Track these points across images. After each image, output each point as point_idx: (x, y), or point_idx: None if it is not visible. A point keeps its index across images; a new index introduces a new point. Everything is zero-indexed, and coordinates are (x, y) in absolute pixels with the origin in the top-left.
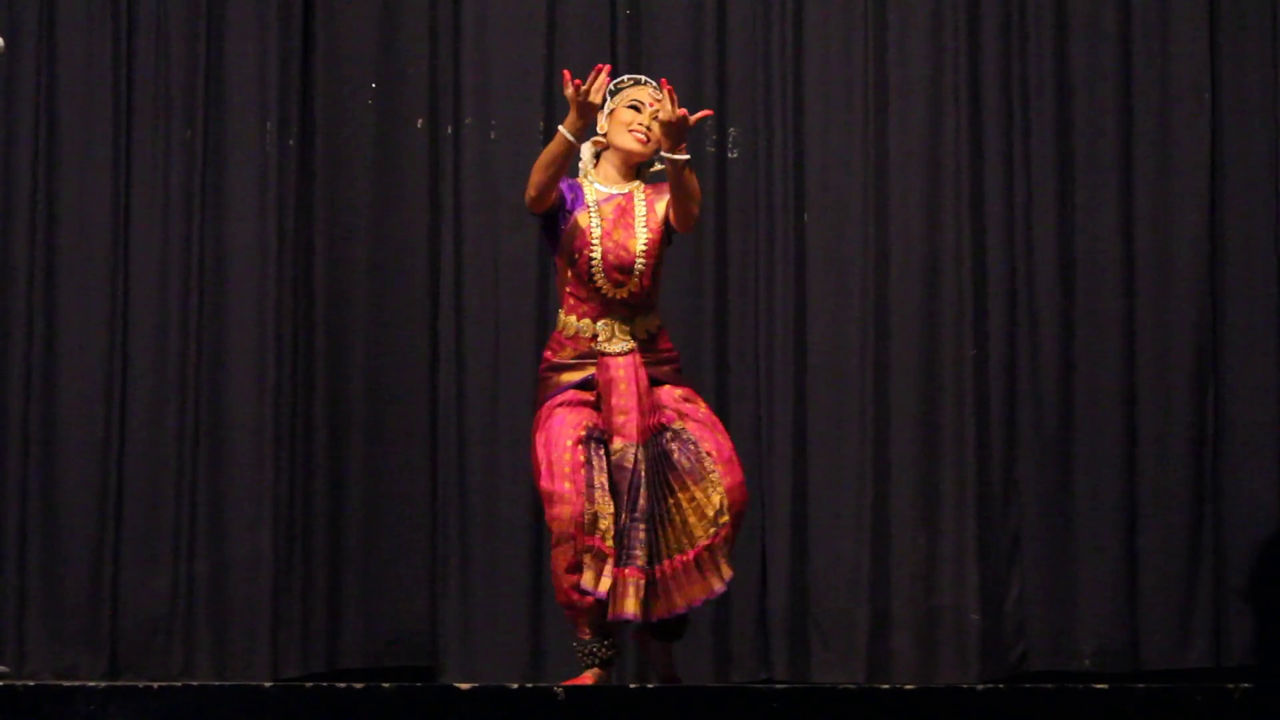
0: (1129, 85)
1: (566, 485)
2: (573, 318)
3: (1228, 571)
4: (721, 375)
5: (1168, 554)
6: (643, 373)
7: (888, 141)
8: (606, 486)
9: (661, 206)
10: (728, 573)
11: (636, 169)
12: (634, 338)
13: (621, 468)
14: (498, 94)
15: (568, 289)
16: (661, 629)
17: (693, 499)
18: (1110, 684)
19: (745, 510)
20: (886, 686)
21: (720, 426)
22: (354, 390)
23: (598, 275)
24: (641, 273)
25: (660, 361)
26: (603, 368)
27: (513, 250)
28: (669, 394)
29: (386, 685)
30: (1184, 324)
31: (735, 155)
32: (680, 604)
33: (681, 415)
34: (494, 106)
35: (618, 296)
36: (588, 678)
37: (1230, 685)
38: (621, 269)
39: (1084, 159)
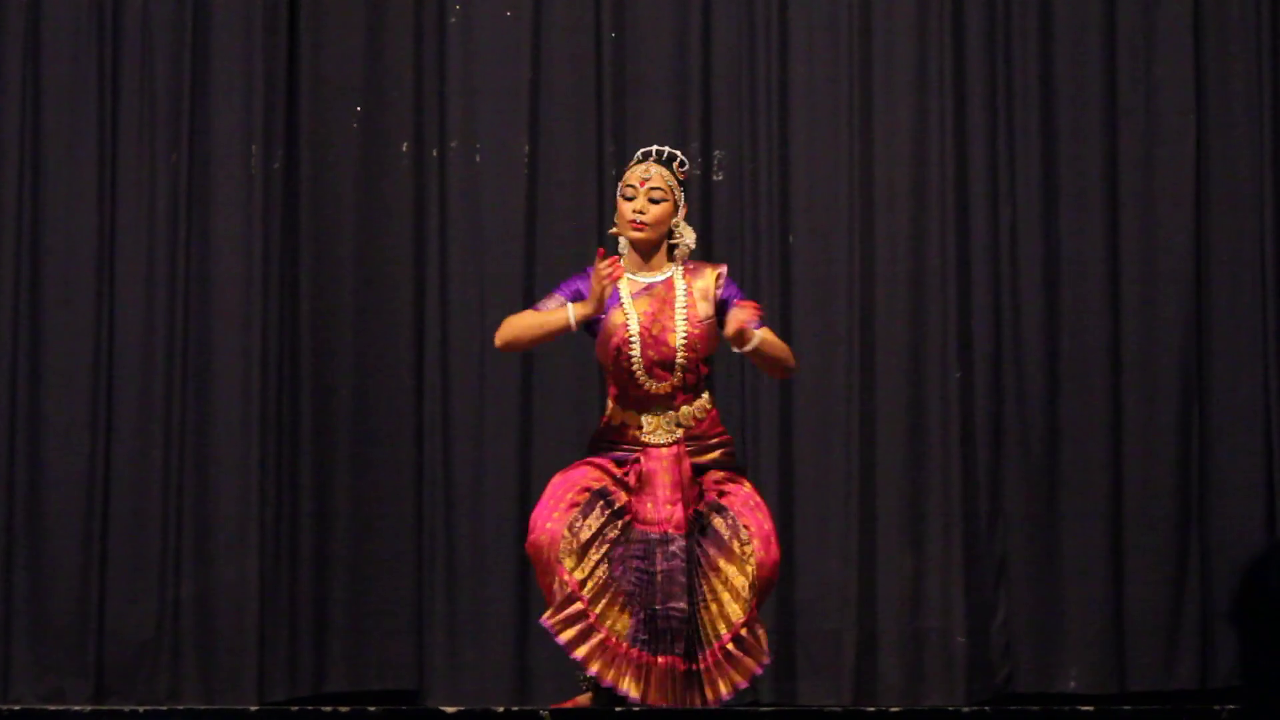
0: (1114, 106)
1: (554, 515)
2: (618, 408)
3: (1213, 593)
4: None
5: (1153, 576)
6: (686, 464)
7: (872, 164)
8: (593, 533)
9: (702, 296)
10: (766, 645)
11: (668, 250)
12: (680, 425)
13: (668, 557)
14: (483, 118)
15: (611, 380)
16: None
17: (727, 580)
18: (1096, 706)
19: (771, 589)
20: (872, 709)
21: (762, 506)
22: (340, 414)
23: (639, 375)
24: (684, 367)
25: (708, 449)
26: (645, 457)
27: (498, 273)
28: (710, 477)
29: (372, 709)
30: (1170, 346)
31: (720, 178)
32: (725, 691)
33: (721, 494)
34: (479, 130)
35: (660, 392)
36: (581, 700)
37: (1216, 707)
38: (663, 365)
39: (1069, 181)
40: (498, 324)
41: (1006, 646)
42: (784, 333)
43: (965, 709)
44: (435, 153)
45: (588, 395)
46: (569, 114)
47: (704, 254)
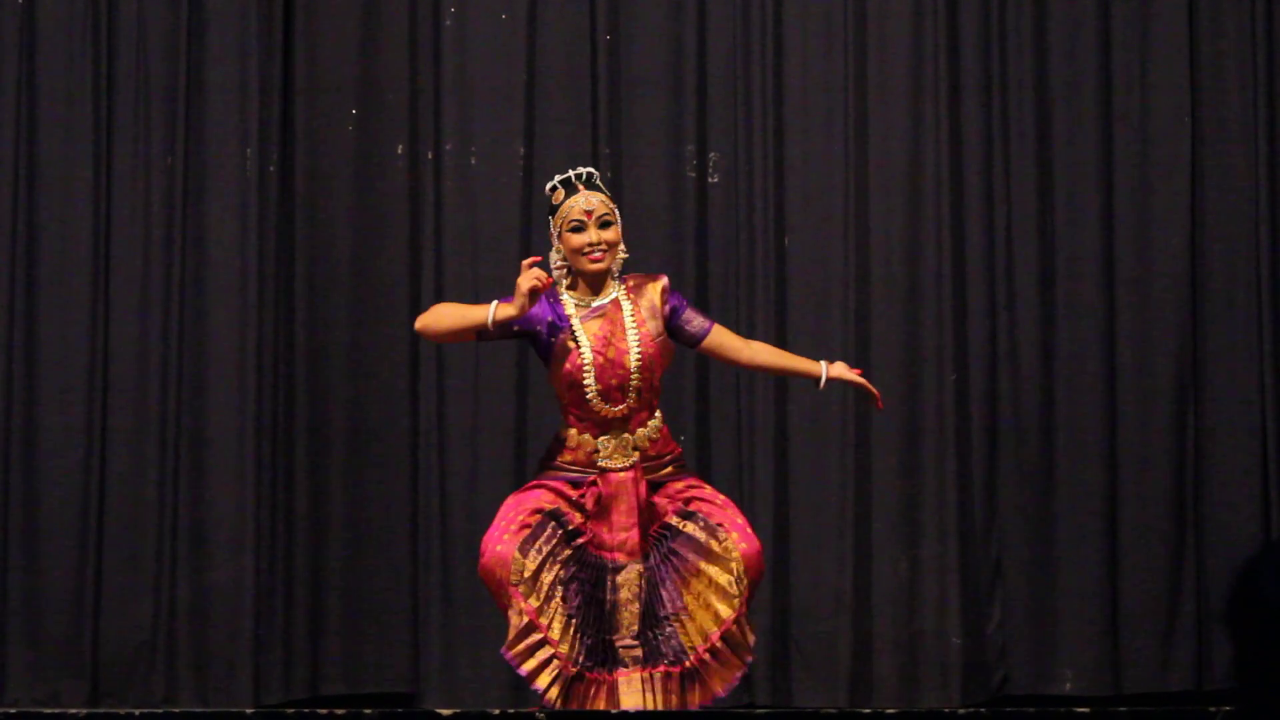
0: (1109, 108)
1: (505, 537)
2: (573, 430)
3: (1209, 595)
4: (702, 401)
5: (1149, 577)
6: (643, 486)
7: (868, 165)
8: (545, 554)
9: (649, 313)
10: (752, 639)
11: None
12: (636, 448)
13: (616, 587)
14: (478, 120)
15: (568, 407)
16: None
17: (711, 581)
18: (1092, 707)
19: (760, 579)
20: (868, 711)
21: (732, 504)
22: (335, 416)
23: (594, 400)
24: (639, 388)
25: (662, 465)
26: (604, 482)
27: (493, 275)
28: (671, 490)
29: (369, 711)
30: (1165, 348)
31: (716, 180)
32: (719, 689)
33: (687, 501)
34: (474, 132)
35: (616, 415)
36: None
37: (1212, 708)
38: (620, 388)
39: (1064, 183)
40: None
41: (1002, 648)
42: (779, 334)
43: (961, 711)
44: (430, 155)
45: None
46: (564, 116)
47: (699, 257)
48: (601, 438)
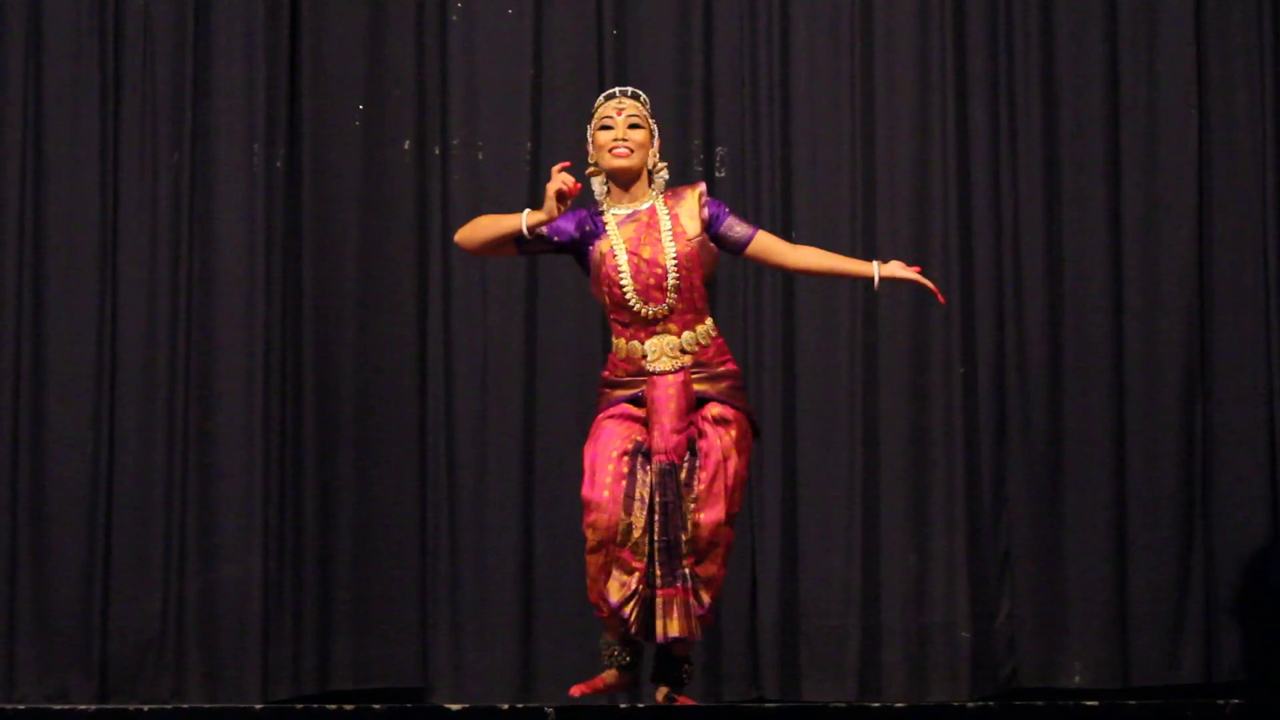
0: (1116, 103)
1: (605, 494)
2: (621, 340)
3: (1218, 588)
4: None
5: (1158, 570)
6: (690, 391)
7: (874, 161)
8: (646, 500)
9: (689, 216)
10: (706, 600)
11: (649, 180)
12: (684, 352)
13: (672, 489)
14: (485, 115)
15: (611, 315)
16: (665, 674)
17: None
18: (1101, 700)
19: (723, 547)
20: (877, 704)
21: (733, 458)
22: (343, 411)
23: (633, 300)
24: (678, 286)
25: (716, 377)
26: (651, 386)
27: (500, 270)
28: (707, 411)
29: (377, 706)
30: (1172, 341)
31: (723, 175)
32: (677, 631)
33: (701, 434)
34: (481, 127)
35: (659, 315)
36: (607, 677)
37: (1221, 701)
38: (657, 287)
39: (1071, 176)
40: (500, 320)
41: (1011, 642)
42: (785, 327)
43: (970, 704)
44: (437, 150)
45: (590, 392)
46: (571, 111)
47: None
48: (649, 341)
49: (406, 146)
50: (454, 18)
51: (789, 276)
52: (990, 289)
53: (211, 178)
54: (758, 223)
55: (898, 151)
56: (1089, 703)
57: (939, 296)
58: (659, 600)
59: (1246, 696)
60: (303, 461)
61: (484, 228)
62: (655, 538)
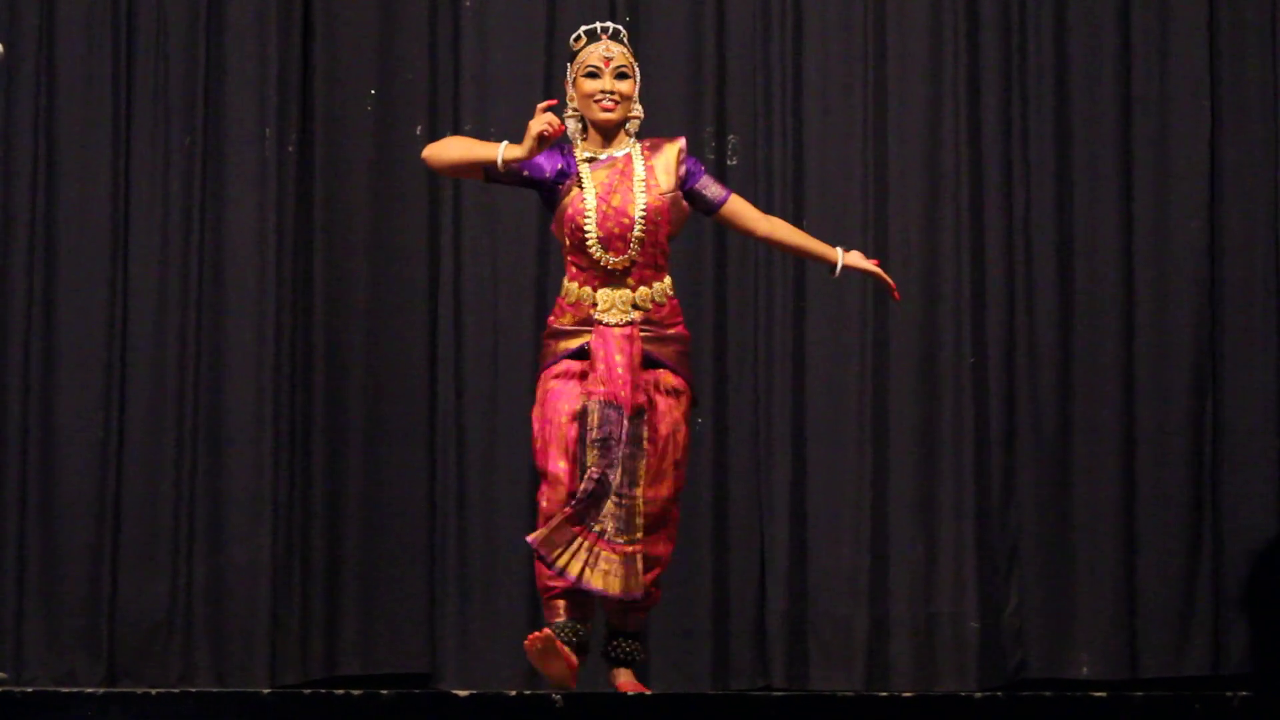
0: (1128, 93)
1: (562, 465)
2: (574, 284)
3: (1226, 579)
4: (720, 383)
5: (1166, 562)
6: (637, 347)
7: (887, 149)
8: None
9: (664, 170)
10: (645, 579)
11: (626, 129)
12: (636, 308)
13: (605, 422)
14: (496, 100)
15: (569, 257)
16: (617, 654)
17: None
18: (1108, 692)
19: (672, 524)
20: (885, 694)
21: (680, 430)
22: (353, 396)
23: (593, 246)
24: (642, 239)
25: (664, 340)
26: (598, 335)
27: (511, 256)
28: (660, 378)
29: (385, 692)
30: (1183, 332)
31: (735, 163)
32: (616, 589)
33: (652, 404)
34: (493, 112)
35: (618, 267)
36: (570, 657)
37: (1229, 693)
38: (620, 237)
39: (1083, 166)
40: (512, 309)
41: (1019, 632)
42: (796, 316)
43: (977, 695)
44: (449, 135)
45: None
46: None
47: (717, 239)
48: (601, 290)
49: (418, 131)
50: (467, 3)
51: (799, 269)
52: (1001, 281)
53: (223, 162)
54: (769, 211)
55: (909, 142)
56: (1096, 694)
57: (894, 293)
58: (601, 554)
59: (1254, 689)
60: (311, 446)
61: (456, 149)
62: (584, 475)
